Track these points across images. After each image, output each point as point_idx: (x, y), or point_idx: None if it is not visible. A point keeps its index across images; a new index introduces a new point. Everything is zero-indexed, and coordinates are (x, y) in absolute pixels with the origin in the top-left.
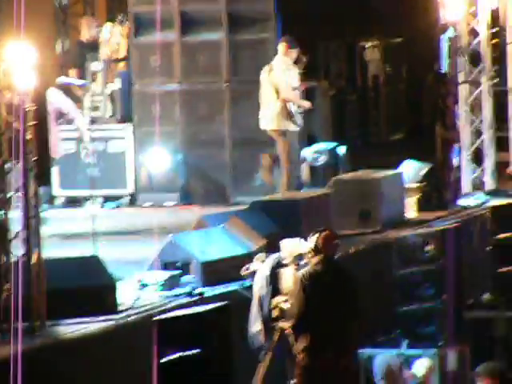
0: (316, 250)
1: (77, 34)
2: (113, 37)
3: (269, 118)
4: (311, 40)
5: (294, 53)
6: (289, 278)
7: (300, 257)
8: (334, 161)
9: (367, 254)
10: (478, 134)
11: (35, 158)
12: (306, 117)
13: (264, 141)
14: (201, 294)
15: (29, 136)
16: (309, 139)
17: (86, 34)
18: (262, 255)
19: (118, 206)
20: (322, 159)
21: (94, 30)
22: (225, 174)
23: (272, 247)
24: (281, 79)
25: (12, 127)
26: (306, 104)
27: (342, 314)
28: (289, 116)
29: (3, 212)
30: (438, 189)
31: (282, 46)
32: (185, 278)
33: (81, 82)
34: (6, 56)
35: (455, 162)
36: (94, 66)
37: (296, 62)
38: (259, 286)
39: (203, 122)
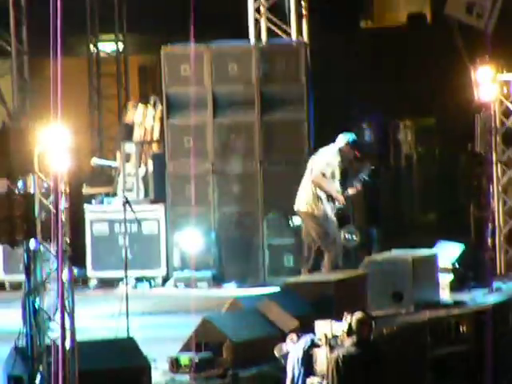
0: (350, 332)
1: (111, 116)
2: (146, 119)
3: (300, 200)
4: (345, 121)
5: (351, 154)
6: (323, 359)
7: (334, 338)
8: (368, 241)
9: (400, 334)
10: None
11: (69, 240)
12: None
13: (297, 225)
14: (234, 375)
15: (63, 218)
16: (341, 220)
17: (130, 117)
18: (294, 336)
19: (151, 287)
20: (355, 240)
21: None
22: (258, 255)
23: (305, 328)
24: (319, 164)
25: (47, 209)
26: (340, 199)
27: None
28: (318, 200)
29: (38, 293)
30: (473, 269)
31: (342, 140)
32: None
33: (114, 163)
34: (41, 139)
35: (490, 242)
36: (128, 148)
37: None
38: (292, 366)
39: (236, 203)
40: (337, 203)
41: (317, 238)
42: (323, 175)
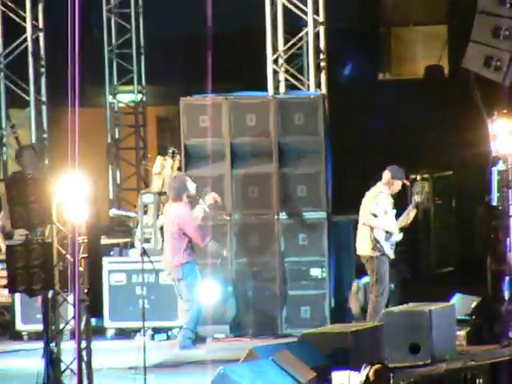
0: (367, 383)
1: (130, 167)
2: (164, 170)
3: (359, 244)
4: (362, 172)
5: (397, 185)
6: None
7: None
8: None
9: None
10: None
11: (87, 290)
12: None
13: (315, 276)
14: None
15: (81, 268)
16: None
17: (156, 169)
18: None
19: (168, 338)
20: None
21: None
22: (275, 306)
23: (322, 380)
24: (368, 205)
25: (65, 259)
26: (398, 236)
27: None
28: (374, 242)
29: (55, 343)
30: (489, 321)
31: (385, 174)
32: None
33: (132, 213)
34: (60, 189)
35: (506, 294)
36: (146, 198)
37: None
38: None
39: (254, 254)
40: (396, 236)
41: (373, 282)
42: (374, 216)
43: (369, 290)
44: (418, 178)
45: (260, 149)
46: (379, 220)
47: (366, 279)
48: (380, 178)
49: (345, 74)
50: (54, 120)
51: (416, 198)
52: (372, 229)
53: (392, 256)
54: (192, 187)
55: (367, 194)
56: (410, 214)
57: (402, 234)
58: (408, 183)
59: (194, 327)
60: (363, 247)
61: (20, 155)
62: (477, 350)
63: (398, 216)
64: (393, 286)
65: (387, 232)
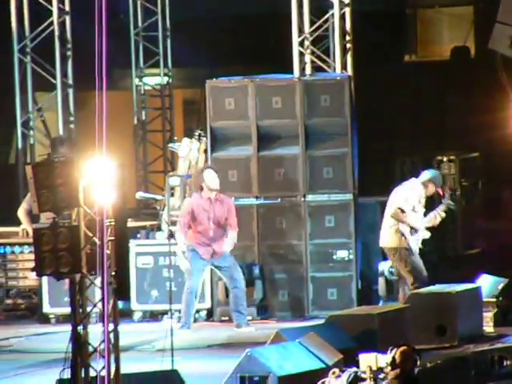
0: (393, 365)
1: (156, 150)
2: (191, 152)
3: (383, 236)
4: (388, 154)
5: (432, 189)
6: None
7: (378, 371)
8: None
9: (444, 368)
10: None
11: (114, 273)
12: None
13: (341, 258)
14: None
15: (108, 251)
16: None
17: (183, 152)
18: (336, 370)
19: (195, 321)
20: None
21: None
22: (302, 288)
23: (349, 361)
24: (398, 199)
25: (92, 242)
26: (424, 233)
27: None
28: (401, 235)
29: (83, 326)
30: None
31: (425, 175)
32: None
33: (159, 196)
34: (87, 172)
35: None
36: (173, 181)
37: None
38: None
39: (280, 236)
40: (421, 234)
41: (403, 272)
42: (402, 211)
43: (394, 273)
44: (445, 159)
45: (286, 131)
46: (406, 215)
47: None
48: (408, 167)
49: None
50: (80, 103)
51: (447, 202)
52: (398, 222)
53: (417, 251)
54: (211, 182)
55: (398, 188)
56: (437, 217)
57: (429, 233)
58: (442, 194)
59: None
60: (387, 239)
61: (54, 146)
62: (504, 332)
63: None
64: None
65: (412, 228)
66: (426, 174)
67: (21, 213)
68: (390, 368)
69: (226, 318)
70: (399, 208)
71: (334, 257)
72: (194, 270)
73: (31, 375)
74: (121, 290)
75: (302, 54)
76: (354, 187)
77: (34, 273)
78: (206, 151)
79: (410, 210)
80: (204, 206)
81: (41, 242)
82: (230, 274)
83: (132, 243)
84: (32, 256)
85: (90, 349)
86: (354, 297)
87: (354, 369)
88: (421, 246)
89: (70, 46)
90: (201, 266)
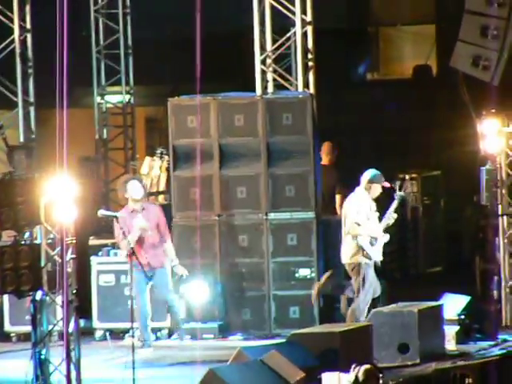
0: (357, 383)
1: (118, 167)
2: (152, 170)
3: (343, 253)
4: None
5: (376, 188)
6: None
7: None
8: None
9: None
10: None
11: (75, 291)
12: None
13: (303, 276)
14: None
15: (69, 269)
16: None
17: (145, 170)
18: None
19: (156, 339)
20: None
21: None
22: (264, 306)
23: (311, 380)
24: (350, 214)
25: (53, 260)
26: (381, 236)
27: None
28: (359, 250)
29: (44, 344)
30: (478, 321)
31: (363, 179)
32: None
33: (120, 214)
34: (48, 189)
35: (495, 294)
36: None
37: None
38: None
39: (243, 254)
40: (382, 239)
41: (356, 288)
42: (357, 224)
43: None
44: (407, 177)
45: (248, 149)
46: (363, 228)
47: None
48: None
49: (359, 72)
50: (42, 121)
51: (398, 194)
52: (356, 236)
53: (380, 259)
54: (133, 192)
55: (346, 202)
56: (390, 218)
57: (388, 236)
58: (388, 185)
59: None
60: (348, 255)
61: (11, 155)
62: (466, 350)
63: (381, 217)
64: (383, 283)
65: (372, 237)
66: (365, 177)
67: None
68: None
69: (188, 337)
70: (355, 223)
71: (297, 275)
72: (139, 292)
73: None
74: (82, 308)
75: (264, 72)
76: (317, 205)
77: None
78: (167, 169)
79: (365, 220)
80: (129, 219)
81: (2, 259)
82: (163, 296)
83: (93, 261)
84: None
85: (52, 367)
86: (317, 315)
87: None
88: (381, 257)
89: (31, 63)
90: (143, 285)
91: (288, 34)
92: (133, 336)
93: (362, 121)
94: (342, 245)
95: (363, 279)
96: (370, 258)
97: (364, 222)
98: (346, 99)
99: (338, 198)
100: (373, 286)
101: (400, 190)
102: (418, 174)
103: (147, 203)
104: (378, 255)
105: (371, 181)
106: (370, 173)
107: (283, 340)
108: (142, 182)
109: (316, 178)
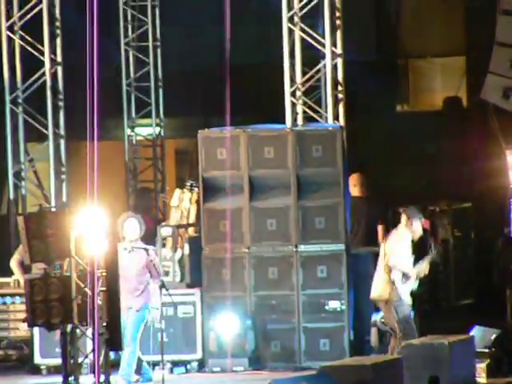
0: None
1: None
2: (182, 202)
3: (375, 287)
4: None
5: (417, 226)
6: None
7: None
8: None
9: None
10: None
11: (106, 323)
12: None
13: (333, 308)
14: None
15: (99, 301)
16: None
17: (175, 202)
18: None
19: (186, 372)
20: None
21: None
22: (294, 339)
23: None
24: (392, 249)
25: (83, 292)
26: (414, 283)
27: None
28: (391, 285)
29: (74, 377)
30: (509, 354)
31: (403, 217)
32: None
33: (150, 247)
34: (78, 222)
35: None
36: (165, 231)
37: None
38: None
39: (272, 287)
40: (411, 283)
41: (392, 323)
42: (400, 261)
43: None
44: (437, 209)
45: (278, 181)
46: (403, 264)
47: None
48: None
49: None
50: (72, 153)
51: (433, 252)
52: (390, 272)
53: (409, 300)
54: (127, 232)
55: (390, 238)
56: (424, 270)
57: (416, 284)
58: (427, 227)
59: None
60: (379, 290)
61: None
62: (496, 383)
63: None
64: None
65: (404, 274)
66: (403, 215)
67: (13, 263)
68: None
69: (218, 369)
70: (398, 259)
71: (326, 307)
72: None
73: None
74: (112, 340)
75: (293, 105)
76: (346, 237)
77: (25, 323)
78: (197, 201)
79: (407, 258)
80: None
81: (32, 292)
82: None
83: None
84: (23, 307)
85: None
86: (347, 347)
87: None
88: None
89: (61, 96)
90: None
91: (318, 67)
92: (163, 368)
93: (392, 152)
94: (374, 280)
95: (395, 315)
96: (398, 296)
97: (406, 260)
98: (376, 131)
99: (380, 229)
100: (406, 321)
101: (435, 248)
102: (448, 206)
103: (140, 244)
104: (407, 296)
105: (411, 217)
106: (411, 211)
107: (313, 372)
108: (140, 220)
109: (346, 210)
